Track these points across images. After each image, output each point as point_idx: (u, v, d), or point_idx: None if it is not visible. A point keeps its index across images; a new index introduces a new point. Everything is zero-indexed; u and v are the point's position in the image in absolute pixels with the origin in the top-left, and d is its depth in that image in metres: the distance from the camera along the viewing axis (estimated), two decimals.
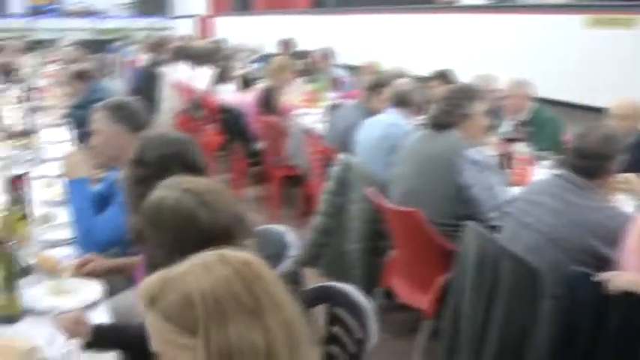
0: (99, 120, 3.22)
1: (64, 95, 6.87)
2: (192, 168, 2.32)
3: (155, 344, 1.25)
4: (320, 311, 2.41)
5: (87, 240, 2.96)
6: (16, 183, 3.27)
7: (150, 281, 1.27)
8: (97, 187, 3.52)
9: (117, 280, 2.95)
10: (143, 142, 2.47)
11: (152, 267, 1.88)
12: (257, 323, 1.20)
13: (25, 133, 4.74)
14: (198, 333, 1.19)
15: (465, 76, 6.51)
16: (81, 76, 6.22)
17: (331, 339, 2.35)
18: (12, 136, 4.92)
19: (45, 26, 20.47)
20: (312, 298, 2.38)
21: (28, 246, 2.77)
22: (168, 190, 1.87)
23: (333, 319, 2.36)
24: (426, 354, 3.67)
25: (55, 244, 3.08)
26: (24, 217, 2.81)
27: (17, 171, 3.37)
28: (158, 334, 1.24)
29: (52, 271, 2.75)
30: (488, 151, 4.13)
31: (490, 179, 3.69)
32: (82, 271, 2.75)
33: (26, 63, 10.86)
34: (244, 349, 1.18)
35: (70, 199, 3.12)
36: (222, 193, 1.90)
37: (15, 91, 7.39)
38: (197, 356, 1.18)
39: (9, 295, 2.36)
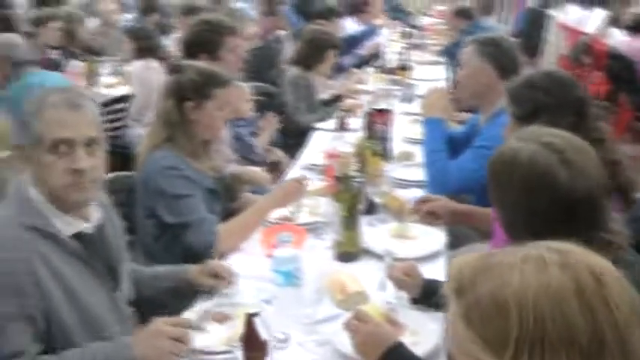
0: (467, 53, 2.98)
1: (445, 33, 6.77)
2: (584, 119, 2.01)
3: (450, 345, 0.95)
4: None
5: (437, 183, 2.78)
6: (376, 117, 3.22)
7: (464, 264, 0.96)
8: (457, 130, 3.32)
9: (463, 231, 2.73)
10: (528, 81, 2.19)
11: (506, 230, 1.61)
12: None
13: (400, 69, 4.72)
14: (505, 354, 0.86)
15: None
16: (461, 13, 6.03)
17: None
18: (386, 70, 4.95)
19: None
20: None
21: (379, 183, 2.67)
22: (525, 142, 1.56)
23: None
24: None
25: (406, 185, 2.97)
26: (379, 152, 2.71)
27: (382, 105, 3.30)
28: (456, 336, 0.93)
29: (398, 212, 2.63)
30: None
31: None
32: (424, 208, 2.57)
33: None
34: None
35: (424, 138, 2.97)
36: (589, 154, 1.52)
37: (400, 28, 7.52)
38: None
39: (349, 233, 2.29)
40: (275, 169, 3.71)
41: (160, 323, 1.74)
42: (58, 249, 1.78)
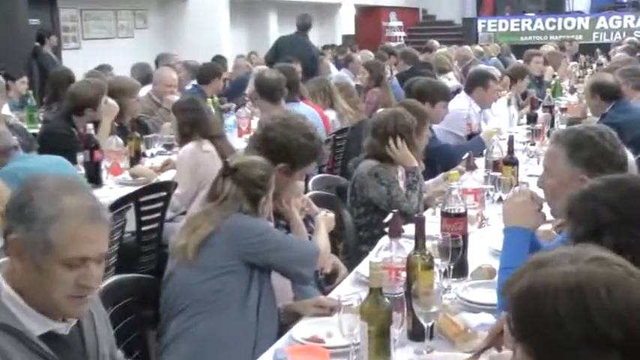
0: (551, 156, 3.24)
1: (584, 112, 6.99)
2: None
3: None
4: None
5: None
6: (446, 223, 3.52)
7: None
8: (550, 244, 3.53)
9: None
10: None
11: None
12: None
13: (505, 163, 4.95)
14: None
15: None
16: (597, 90, 6.21)
17: None
18: (489, 164, 5.22)
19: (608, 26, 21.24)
20: None
21: (430, 303, 2.93)
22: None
23: None
24: None
25: (476, 308, 3.21)
26: (430, 266, 2.98)
27: (456, 209, 3.59)
28: None
29: (454, 339, 2.88)
30: None
31: None
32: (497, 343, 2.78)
33: (566, 72, 11.37)
34: None
35: (502, 251, 3.23)
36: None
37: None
38: None
39: (379, 357, 2.58)
40: (330, 281, 4.03)
41: None
42: (23, 347, 2.18)
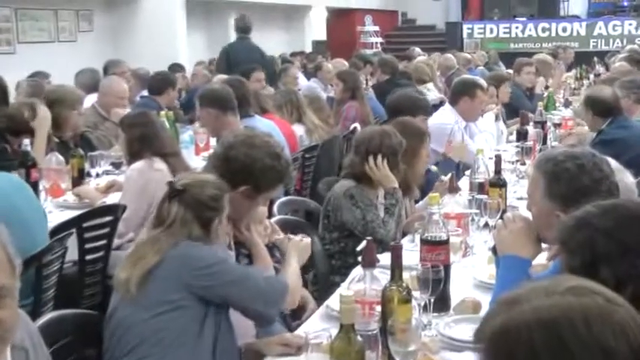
0: (534, 183, 3.30)
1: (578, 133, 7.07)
2: None
3: None
4: None
5: None
6: (426, 251, 3.55)
7: None
8: (541, 273, 3.58)
9: None
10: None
11: None
12: None
13: (492, 185, 4.99)
14: None
15: None
16: (591, 105, 6.28)
17: None
18: (474, 186, 5.25)
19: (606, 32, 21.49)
20: None
21: (407, 340, 2.95)
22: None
23: None
24: None
25: (460, 347, 3.22)
26: (407, 299, 3.01)
27: (437, 235, 3.61)
28: None
29: None
30: None
31: None
32: None
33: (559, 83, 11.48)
34: None
35: (495, 283, 3.29)
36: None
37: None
38: None
39: None
40: (297, 316, 4.03)
41: None
42: None
